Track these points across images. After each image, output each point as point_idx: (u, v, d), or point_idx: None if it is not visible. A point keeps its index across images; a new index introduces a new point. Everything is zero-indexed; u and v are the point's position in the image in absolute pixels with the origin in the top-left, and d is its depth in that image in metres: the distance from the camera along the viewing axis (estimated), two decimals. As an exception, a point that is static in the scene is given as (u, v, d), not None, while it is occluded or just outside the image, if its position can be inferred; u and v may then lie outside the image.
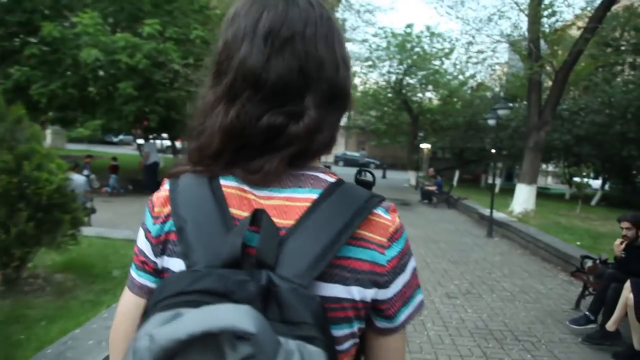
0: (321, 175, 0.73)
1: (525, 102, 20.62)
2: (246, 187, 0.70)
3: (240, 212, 0.68)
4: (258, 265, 0.61)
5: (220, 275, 0.58)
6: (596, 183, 21.55)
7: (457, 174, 23.65)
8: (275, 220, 0.66)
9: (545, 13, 11.10)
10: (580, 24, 11.26)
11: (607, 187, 22.14)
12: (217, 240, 0.64)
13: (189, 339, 0.49)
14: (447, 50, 23.06)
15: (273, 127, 0.68)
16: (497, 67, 23.66)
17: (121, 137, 35.76)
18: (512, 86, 20.29)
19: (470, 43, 17.36)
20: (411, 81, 25.04)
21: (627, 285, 4.23)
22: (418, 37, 22.51)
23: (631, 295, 4.13)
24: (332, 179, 0.73)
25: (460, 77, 25.02)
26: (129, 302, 0.74)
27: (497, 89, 23.82)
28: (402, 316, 0.73)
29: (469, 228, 11.69)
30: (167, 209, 0.70)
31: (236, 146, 0.70)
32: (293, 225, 0.66)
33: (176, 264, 0.68)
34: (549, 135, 12.56)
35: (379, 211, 0.72)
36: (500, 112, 9.89)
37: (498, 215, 11.97)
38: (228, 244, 0.62)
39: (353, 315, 0.67)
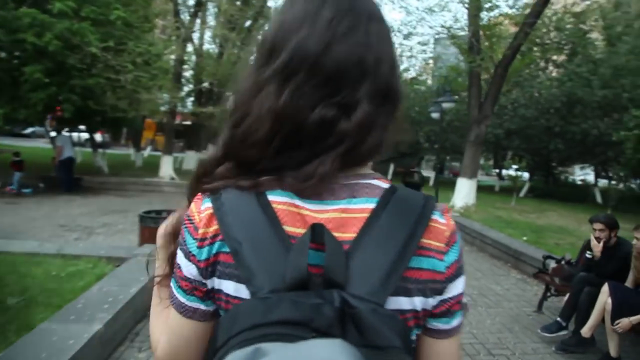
0: (374, 181, 0.70)
1: (457, 97, 21.16)
2: (297, 202, 0.66)
3: (295, 229, 0.64)
4: (326, 284, 0.58)
5: (293, 302, 0.55)
6: (524, 175, 22.59)
7: (391, 167, 23.72)
8: (334, 234, 0.62)
9: (487, 5, 11.06)
10: (518, 18, 11.33)
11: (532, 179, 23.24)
12: (278, 261, 0.61)
13: None
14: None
15: (325, 120, 0.65)
16: (430, 61, 24.08)
17: (33, 129, 32.42)
18: (448, 80, 20.52)
19: (410, 34, 17.30)
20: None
21: (605, 289, 3.96)
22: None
23: (609, 300, 3.87)
24: (385, 185, 0.70)
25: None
26: (184, 329, 0.69)
27: (429, 82, 24.14)
28: (458, 318, 0.70)
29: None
30: (213, 229, 0.65)
31: (286, 136, 0.65)
32: (355, 239, 0.63)
33: (230, 287, 0.64)
34: (481, 129, 12.65)
35: (436, 215, 0.67)
36: (445, 105, 9.66)
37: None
38: (291, 264, 0.59)
39: (414, 324, 0.65)
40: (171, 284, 0.70)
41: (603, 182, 21.75)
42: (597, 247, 4.43)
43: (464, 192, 11.79)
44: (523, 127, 17.23)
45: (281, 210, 0.65)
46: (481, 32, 11.33)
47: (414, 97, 22.36)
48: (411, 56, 24.75)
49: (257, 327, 0.54)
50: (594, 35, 18.06)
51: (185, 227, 0.68)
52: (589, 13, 18.08)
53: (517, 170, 16.39)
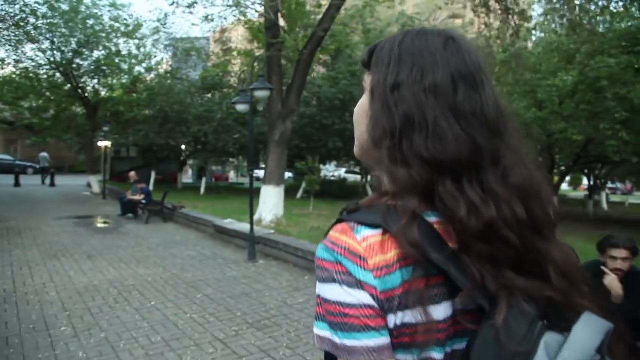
0: None
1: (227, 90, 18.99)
2: (440, 219, 0.68)
3: (453, 245, 0.67)
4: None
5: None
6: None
7: (153, 175, 20.04)
8: None
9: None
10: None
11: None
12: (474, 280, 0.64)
13: None
14: (131, 28, 19.09)
15: None
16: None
17: None
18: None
19: (166, 16, 14.29)
20: (84, 63, 19.81)
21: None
22: (94, 4, 17.69)
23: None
24: None
25: (147, 62, 21.48)
26: None
27: (194, 74, 21.27)
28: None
29: (215, 250, 8.80)
30: (391, 256, 0.64)
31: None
32: None
33: (440, 311, 0.64)
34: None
35: None
36: (259, 93, 7.38)
37: (242, 226, 9.53)
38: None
39: None
40: (343, 337, 0.63)
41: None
42: (616, 285, 2.89)
43: (272, 202, 9.76)
44: (303, 125, 16.34)
45: (439, 229, 0.67)
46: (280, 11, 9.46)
47: (180, 91, 19.18)
48: (168, 45, 21.77)
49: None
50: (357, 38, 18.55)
51: (347, 260, 0.64)
52: (348, 19, 18.44)
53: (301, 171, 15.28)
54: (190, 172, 32.11)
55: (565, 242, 0.74)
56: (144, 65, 21.53)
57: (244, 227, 9.44)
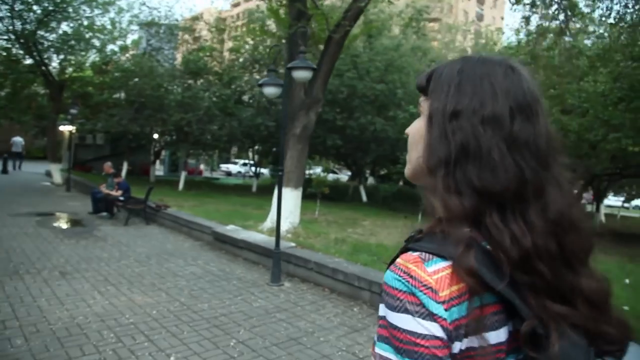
0: None
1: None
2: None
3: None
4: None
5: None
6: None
7: (125, 166, 17.87)
8: None
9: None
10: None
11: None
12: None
13: None
14: (107, -1, 16.89)
15: None
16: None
17: None
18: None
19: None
20: (49, 35, 17.41)
21: None
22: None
23: None
24: None
25: (121, 40, 19.24)
26: None
27: (177, 62, 19.18)
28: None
29: (222, 266, 7.09)
30: (460, 287, 0.66)
31: None
32: None
33: (500, 334, 0.68)
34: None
35: None
36: (299, 74, 5.69)
37: (252, 236, 7.89)
38: None
39: None
40: None
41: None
42: None
43: (288, 208, 8.10)
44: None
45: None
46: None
47: (164, 73, 17.08)
48: (149, 23, 19.59)
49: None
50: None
51: (420, 294, 0.66)
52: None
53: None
54: (157, 163, 29.66)
55: (599, 271, 0.75)
56: (119, 43, 19.29)
57: (254, 237, 7.78)
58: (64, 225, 9.69)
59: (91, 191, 11.55)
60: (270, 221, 8.30)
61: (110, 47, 18.95)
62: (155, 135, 19.38)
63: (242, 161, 40.00)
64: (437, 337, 0.64)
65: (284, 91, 6.48)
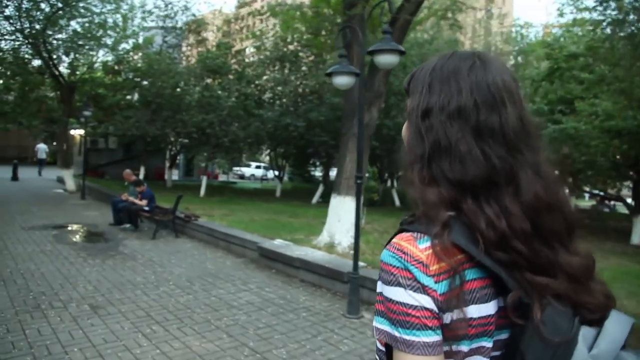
0: None
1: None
2: None
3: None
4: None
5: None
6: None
7: (142, 171, 16.79)
8: None
9: None
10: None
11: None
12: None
13: None
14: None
15: None
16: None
17: None
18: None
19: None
20: (59, 35, 16.37)
21: None
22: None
23: None
24: None
25: (134, 39, 18.14)
26: None
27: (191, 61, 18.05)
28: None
29: (281, 291, 5.93)
30: (453, 260, 0.71)
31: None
32: None
33: (489, 307, 0.73)
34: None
35: None
36: (384, 58, 4.56)
37: (309, 253, 6.76)
38: None
39: None
40: (404, 333, 0.71)
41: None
42: None
43: (349, 220, 6.94)
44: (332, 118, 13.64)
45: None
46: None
47: (184, 72, 15.96)
48: (167, 15, 18.58)
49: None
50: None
51: (412, 267, 0.71)
52: None
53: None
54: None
55: (583, 249, 0.79)
56: (131, 41, 18.20)
57: (312, 255, 6.64)
58: (84, 240, 8.57)
59: (111, 200, 10.43)
60: (327, 235, 7.15)
61: (122, 45, 17.91)
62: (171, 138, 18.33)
63: (255, 164, 38.93)
64: (427, 309, 0.70)
65: (361, 81, 5.30)
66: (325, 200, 12.44)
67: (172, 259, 7.36)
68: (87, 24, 16.34)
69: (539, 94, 13.73)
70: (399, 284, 0.71)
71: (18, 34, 15.64)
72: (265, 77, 18.25)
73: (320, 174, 22.79)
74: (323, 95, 15.54)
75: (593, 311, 0.73)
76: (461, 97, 0.76)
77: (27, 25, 15.38)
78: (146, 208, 9.57)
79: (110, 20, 16.90)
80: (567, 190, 0.87)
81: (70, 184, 16.48)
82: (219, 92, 14.94)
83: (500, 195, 0.74)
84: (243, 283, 6.16)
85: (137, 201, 9.63)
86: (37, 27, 15.29)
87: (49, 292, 5.29)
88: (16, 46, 16.37)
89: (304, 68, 17.53)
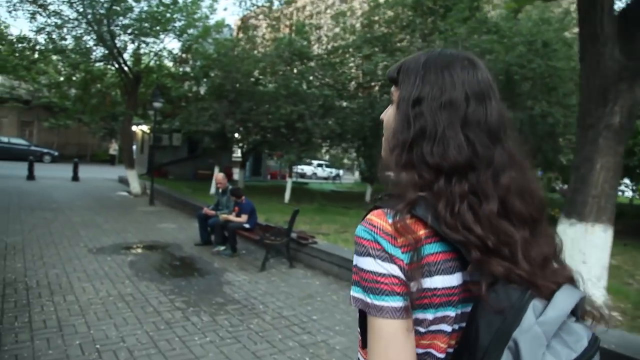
0: None
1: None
2: None
3: None
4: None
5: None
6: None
7: (216, 172, 14.58)
8: None
9: None
10: None
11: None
12: None
13: None
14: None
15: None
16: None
17: None
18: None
19: None
20: (123, 21, 14.42)
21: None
22: None
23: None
24: None
25: (202, 22, 16.01)
26: (398, 329, 0.74)
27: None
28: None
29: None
30: (415, 235, 0.75)
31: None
32: None
33: (438, 281, 0.76)
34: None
35: None
36: None
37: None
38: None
39: None
40: (374, 299, 0.75)
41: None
42: None
43: (599, 261, 4.22)
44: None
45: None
46: None
47: (260, 59, 13.64)
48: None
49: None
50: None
51: (379, 238, 0.77)
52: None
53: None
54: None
55: (550, 236, 0.84)
56: (199, 25, 16.08)
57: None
58: (173, 273, 6.20)
59: (197, 214, 8.12)
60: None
61: (190, 31, 15.84)
62: (236, 134, 16.06)
63: (316, 162, 36.67)
64: (394, 276, 0.75)
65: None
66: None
67: (308, 309, 4.88)
68: (153, 7, 14.36)
69: None
70: (369, 255, 0.76)
71: (80, 18, 13.85)
72: (350, 65, 15.74)
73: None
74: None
75: (545, 294, 0.74)
76: (454, 90, 0.82)
77: (89, 11, 13.54)
78: (247, 226, 7.19)
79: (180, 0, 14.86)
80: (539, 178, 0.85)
81: (136, 187, 14.55)
82: (310, 78, 12.46)
83: (476, 178, 0.79)
84: None
85: (233, 218, 7.25)
86: (101, 11, 13.42)
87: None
88: (79, 34, 14.61)
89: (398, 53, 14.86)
